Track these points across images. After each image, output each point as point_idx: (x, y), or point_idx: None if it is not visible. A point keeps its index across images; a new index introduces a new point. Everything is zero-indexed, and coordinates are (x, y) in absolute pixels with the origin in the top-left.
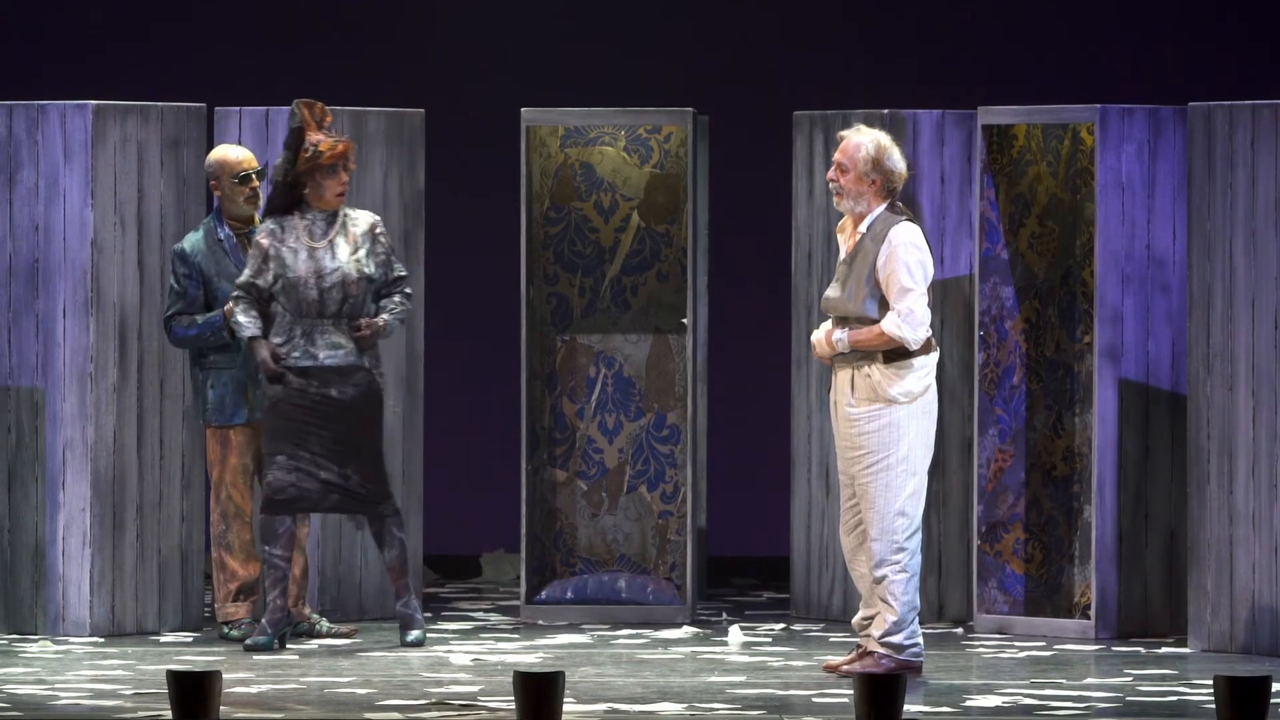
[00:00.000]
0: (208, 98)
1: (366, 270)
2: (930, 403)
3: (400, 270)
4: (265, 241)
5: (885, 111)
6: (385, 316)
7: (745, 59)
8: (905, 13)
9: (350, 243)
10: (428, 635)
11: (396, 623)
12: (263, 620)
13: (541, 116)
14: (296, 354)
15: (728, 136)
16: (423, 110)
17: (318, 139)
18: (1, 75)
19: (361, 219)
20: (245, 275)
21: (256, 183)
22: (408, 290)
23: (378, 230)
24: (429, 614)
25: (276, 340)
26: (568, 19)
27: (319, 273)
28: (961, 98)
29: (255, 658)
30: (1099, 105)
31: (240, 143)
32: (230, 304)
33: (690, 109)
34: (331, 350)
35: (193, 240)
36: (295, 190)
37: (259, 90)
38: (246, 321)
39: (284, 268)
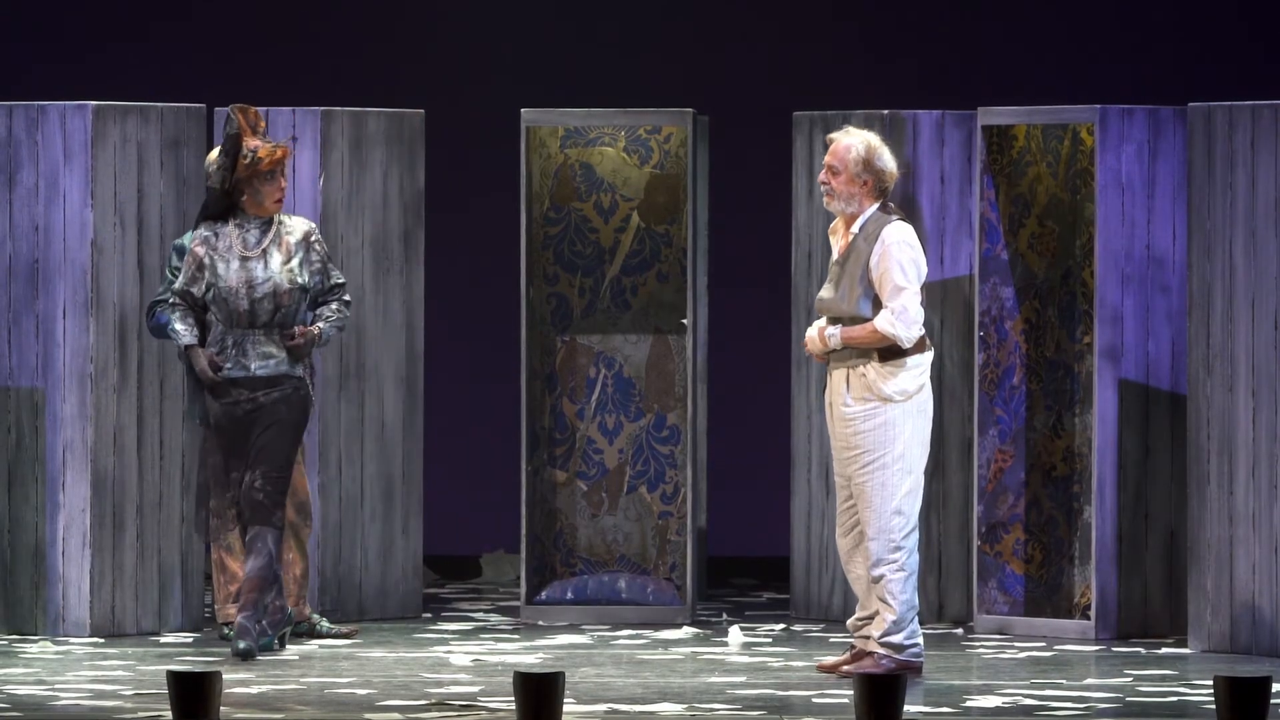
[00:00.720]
0: (207, 98)
1: (300, 280)
2: (925, 401)
3: (338, 278)
4: (200, 250)
5: (885, 112)
6: (320, 325)
7: (745, 60)
8: (905, 13)
9: (284, 252)
10: (258, 652)
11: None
12: (263, 622)
13: (541, 117)
14: (229, 364)
15: (728, 137)
16: (423, 111)
17: (255, 144)
18: (1, 75)
19: (297, 227)
20: (179, 283)
21: (283, 181)
22: (346, 298)
23: (313, 238)
24: (429, 614)
25: (211, 350)
26: (568, 20)
27: (250, 283)
28: (961, 98)
29: (256, 657)
30: (1099, 106)
31: None
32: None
33: (690, 109)
34: (263, 360)
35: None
36: (232, 197)
37: (258, 91)
38: (183, 329)
39: (216, 277)
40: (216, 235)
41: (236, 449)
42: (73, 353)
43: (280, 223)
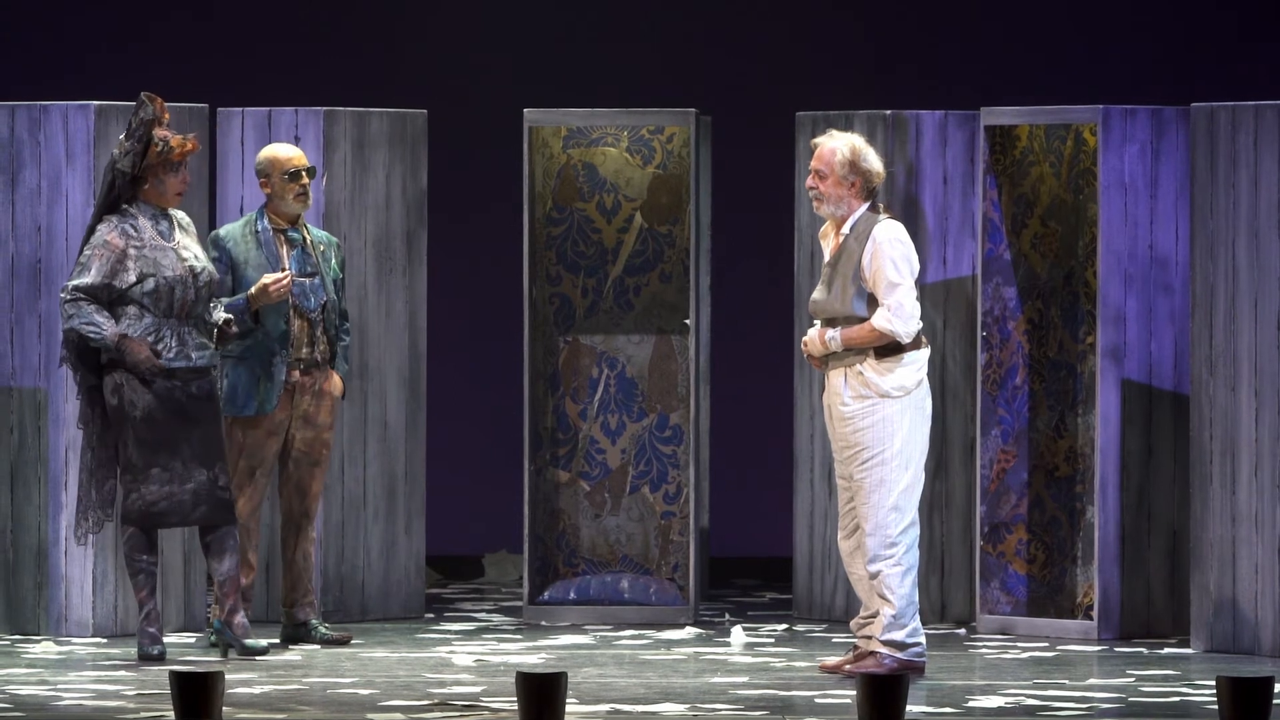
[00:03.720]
0: (210, 98)
1: (216, 271)
2: (923, 398)
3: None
4: (119, 241)
5: (888, 112)
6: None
7: (747, 60)
8: (907, 13)
9: (195, 241)
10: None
11: (229, 635)
12: (153, 630)
13: (544, 117)
14: (170, 354)
15: (730, 137)
16: (425, 111)
17: (165, 134)
18: (3, 76)
19: (183, 217)
20: (94, 277)
21: (306, 180)
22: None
23: (192, 230)
24: (431, 615)
25: (149, 340)
26: (570, 20)
27: (193, 272)
28: (964, 98)
29: (258, 658)
30: (1102, 106)
31: (243, 144)
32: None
33: (693, 110)
34: (200, 350)
35: (229, 227)
36: (136, 185)
37: (261, 91)
38: (106, 321)
39: (156, 267)
40: (133, 228)
41: (166, 442)
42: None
43: (173, 213)
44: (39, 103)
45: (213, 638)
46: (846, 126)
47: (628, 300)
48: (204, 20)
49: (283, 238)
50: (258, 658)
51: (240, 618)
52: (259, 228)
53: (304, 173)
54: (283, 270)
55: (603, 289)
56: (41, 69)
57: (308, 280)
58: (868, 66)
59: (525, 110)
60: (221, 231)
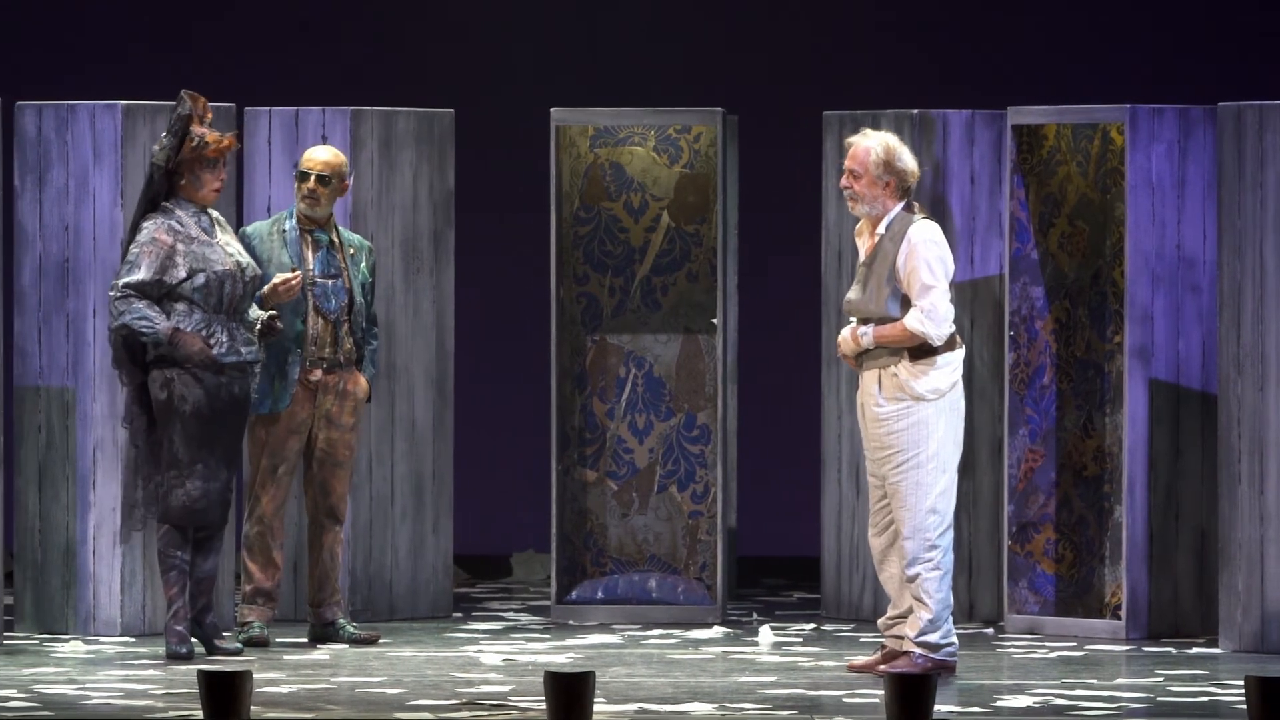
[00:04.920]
0: (237, 98)
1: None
2: (958, 399)
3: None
4: (168, 238)
5: (915, 111)
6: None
7: (775, 59)
8: (935, 13)
9: (235, 240)
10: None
11: (200, 634)
12: (181, 629)
13: (571, 116)
14: (221, 350)
15: (757, 136)
16: (452, 110)
17: (203, 131)
18: (31, 75)
19: (219, 217)
20: (145, 274)
21: (314, 183)
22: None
23: (229, 229)
24: (459, 614)
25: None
26: (597, 19)
27: (240, 268)
28: (991, 98)
29: (286, 657)
30: (1129, 105)
31: (270, 144)
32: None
33: (720, 109)
34: (248, 346)
35: (256, 225)
36: (172, 180)
37: (287, 90)
38: (158, 316)
39: (205, 263)
40: (180, 224)
41: (208, 438)
42: (103, 352)
43: (209, 211)
44: (66, 102)
45: (241, 637)
46: (873, 126)
47: (655, 300)
48: (231, 20)
49: (309, 238)
50: (233, 658)
51: (211, 617)
52: (285, 227)
53: (311, 175)
54: (292, 270)
55: (630, 288)
56: (69, 68)
57: (330, 281)
58: (895, 66)
59: (552, 109)
60: (248, 229)
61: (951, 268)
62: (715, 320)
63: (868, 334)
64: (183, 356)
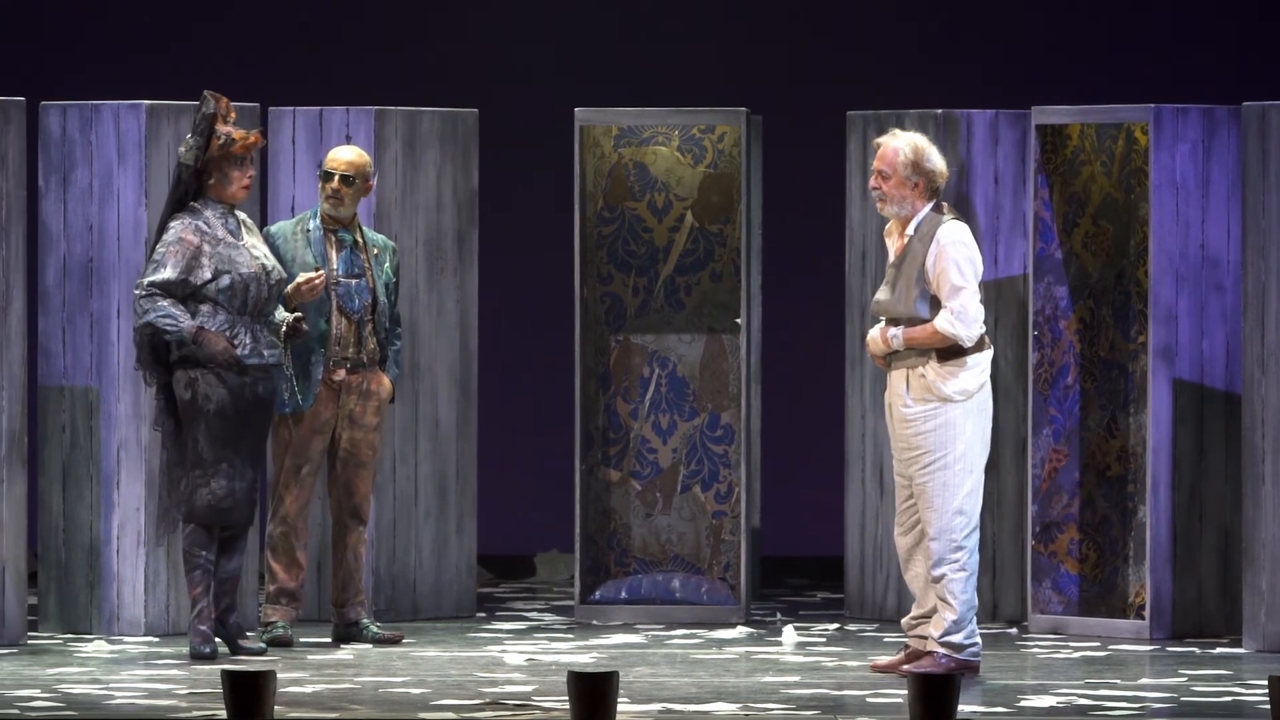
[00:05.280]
0: (261, 98)
1: (283, 271)
2: (986, 400)
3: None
4: (194, 238)
5: (939, 111)
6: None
7: (799, 59)
8: (959, 12)
9: (261, 241)
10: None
11: (224, 634)
12: (205, 628)
13: (595, 116)
14: (244, 351)
15: (781, 136)
16: (476, 110)
17: (228, 129)
18: (55, 75)
19: (246, 218)
20: (171, 273)
21: (336, 184)
22: None
23: (256, 230)
24: (483, 614)
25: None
26: (621, 19)
27: (265, 270)
28: (1015, 97)
29: (309, 657)
30: (1153, 105)
31: (294, 144)
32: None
33: (744, 109)
34: (271, 349)
35: (281, 225)
36: (200, 179)
37: (311, 90)
38: (183, 315)
39: (231, 264)
40: (207, 224)
41: (232, 437)
42: (127, 352)
43: (236, 211)
44: (90, 102)
45: (265, 637)
46: (897, 125)
47: (679, 299)
48: (255, 20)
49: (333, 238)
50: (257, 658)
51: (235, 617)
52: (310, 226)
53: (335, 175)
54: (316, 270)
55: (654, 288)
56: (93, 68)
57: (353, 281)
58: (919, 66)
59: (576, 109)
60: (273, 228)
61: (980, 269)
62: (739, 320)
63: (897, 336)
64: (206, 356)
